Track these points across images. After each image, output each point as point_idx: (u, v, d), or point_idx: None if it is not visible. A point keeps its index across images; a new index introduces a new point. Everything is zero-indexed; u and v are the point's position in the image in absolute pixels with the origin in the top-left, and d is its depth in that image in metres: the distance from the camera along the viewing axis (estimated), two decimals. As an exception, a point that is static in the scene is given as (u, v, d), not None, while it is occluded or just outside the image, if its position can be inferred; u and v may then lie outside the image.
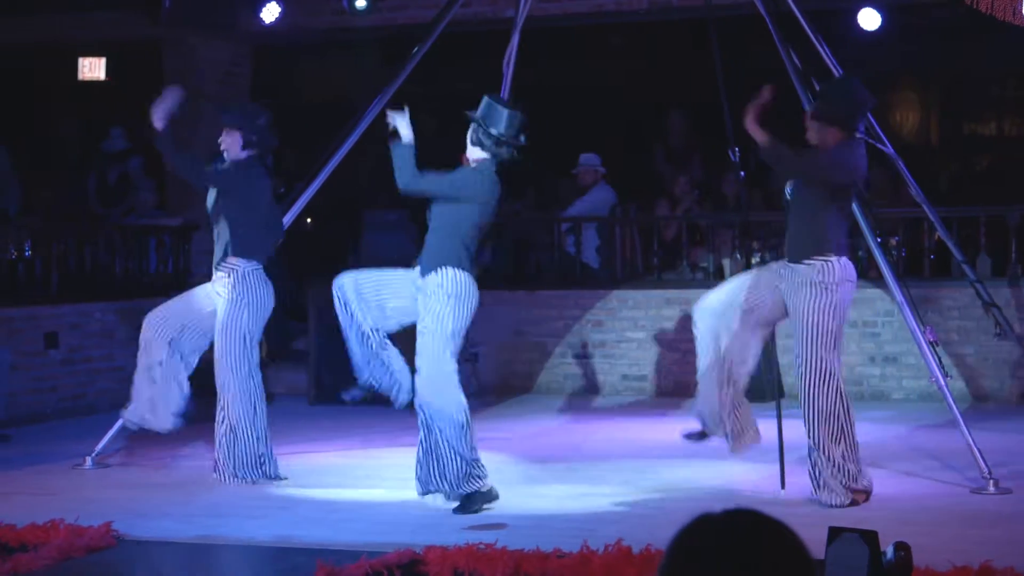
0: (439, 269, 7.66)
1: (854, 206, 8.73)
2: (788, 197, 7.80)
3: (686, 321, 12.65)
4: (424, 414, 7.65)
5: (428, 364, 7.61)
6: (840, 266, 7.57)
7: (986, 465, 7.96)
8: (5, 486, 8.55)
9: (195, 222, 13.04)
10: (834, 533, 3.25)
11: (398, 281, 7.90)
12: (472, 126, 7.83)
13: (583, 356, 12.90)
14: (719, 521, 2.24)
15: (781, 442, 7.93)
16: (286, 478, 8.61)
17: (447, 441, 7.58)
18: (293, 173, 12.85)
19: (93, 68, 14.72)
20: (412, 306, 7.79)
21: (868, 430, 10.35)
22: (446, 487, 7.64)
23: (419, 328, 7.72)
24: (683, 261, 13.06)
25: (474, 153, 7.85)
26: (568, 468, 9.00)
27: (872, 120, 9.30)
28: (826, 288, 7.50)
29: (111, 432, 9.30)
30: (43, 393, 11.73)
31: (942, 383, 8.27)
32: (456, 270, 7.66)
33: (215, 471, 8.60)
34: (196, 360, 8.85)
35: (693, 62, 12.78)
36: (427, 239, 7.85)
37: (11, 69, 15.89)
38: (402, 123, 7.77)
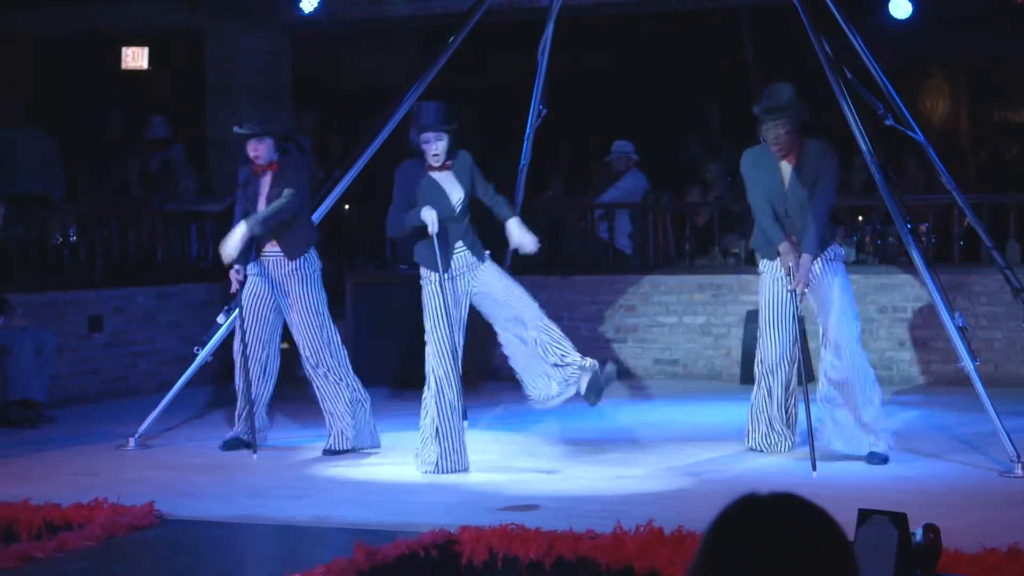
0: None
1: (885, 193, 8.82)
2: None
3: (717, 306, 12.76)
4: None
5: None
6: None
7: (1014, 448, 7.99)
8: (50, 466, 8.68)
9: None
10: (864, 515, 3.24)
11: None
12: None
13: (616, 340, 12.99)
14: (763, 503, 2.20)
15: (810, 426, 8.05)
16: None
17: None
18: (333, 160, 12.98)
19: (136, 57, 14.88)
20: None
21: (897, 414, 10.44)
22: None
23: None
24: (715, 247, 13.12)
25: None
26: (600, 451, 9.04)
27: (903, 107, 9.37)
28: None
29: (154, 414, 9.45)
30: (87, 375, 11.89)
31: (971, 368, 8.31)
32: None
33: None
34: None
35: (726, 50, 12.84)
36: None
37: (56, 58, 16.07)
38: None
